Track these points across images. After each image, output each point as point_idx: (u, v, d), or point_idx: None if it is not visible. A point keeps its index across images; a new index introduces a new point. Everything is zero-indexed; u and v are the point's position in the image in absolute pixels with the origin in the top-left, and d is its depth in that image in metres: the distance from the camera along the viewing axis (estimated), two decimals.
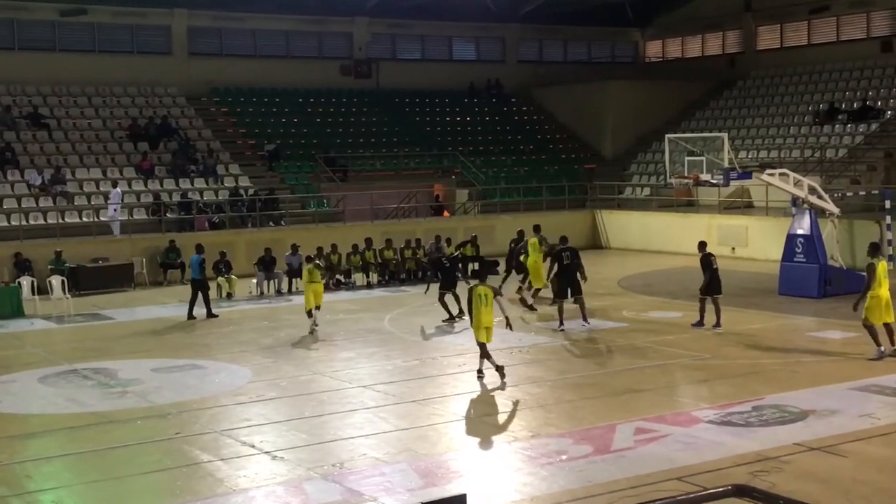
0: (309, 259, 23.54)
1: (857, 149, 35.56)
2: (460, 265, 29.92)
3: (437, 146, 41.33)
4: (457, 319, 22.25)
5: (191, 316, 23.67)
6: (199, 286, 23.74)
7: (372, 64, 44.13)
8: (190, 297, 23.86)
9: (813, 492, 10.72)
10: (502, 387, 16.23)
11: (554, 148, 44.36)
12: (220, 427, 14.32)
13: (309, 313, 21.64)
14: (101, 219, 31.42)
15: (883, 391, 15.16)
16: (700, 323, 20.65)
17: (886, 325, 17.31)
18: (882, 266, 17.29)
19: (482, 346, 16.78)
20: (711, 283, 20.51)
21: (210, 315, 23.76)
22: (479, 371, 16.92)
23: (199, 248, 24.40)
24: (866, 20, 41.61)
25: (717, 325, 20.42)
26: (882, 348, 17.25)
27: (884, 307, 17.20)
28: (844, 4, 41.77)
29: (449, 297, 22.67)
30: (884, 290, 17.20)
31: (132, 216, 32.03)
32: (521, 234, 25.95)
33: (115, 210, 31.21)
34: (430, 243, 29.31)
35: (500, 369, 16.61)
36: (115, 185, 32.25)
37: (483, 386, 16.46)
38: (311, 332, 21.34)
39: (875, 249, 17.87)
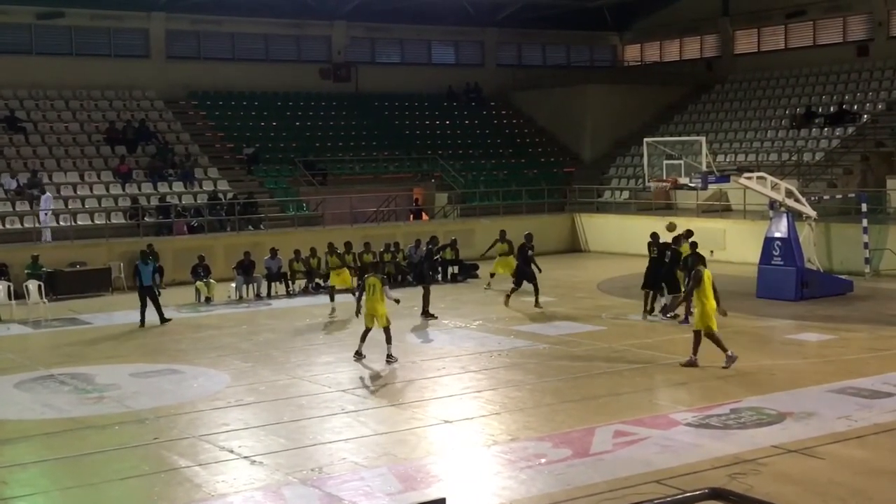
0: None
1: (833, 152, 35.78)
2: (438, 268, 30.08)
3: (416, 150, 41.31)
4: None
5: (142, 323, 23.25)
6: (148, 292, 23.36)
7: (351, 67, 44.09)
8: (140, 304, 23.38)
9: (789, 494, 10.77)
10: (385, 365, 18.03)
11: (533, 151, 44.45)
12: (199, 432, 14.25)
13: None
14: (79, 223, 31.23)
15: (860, 393, 15.24)
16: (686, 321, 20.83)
17: (709, 332, 17.10)
18: (707, 275, 17.23)
19: (367, 330, 18.54)
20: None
21: (163, 320, 23.41)
22: (359, 353, 18.62)
23: (152, 255, 23.79)
24: (842, 24, 41.93)
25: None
26: (730, 352, 17.12)
27: (711, 314, 17.12)
28: (820, 9, 42.07)
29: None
30: (711, 300, 17.11)
31: (110, 220, 31.86)
32: (528, 237, 25.53)
33: (45, 215, 30.74)
34: (410, 247, 29.32)
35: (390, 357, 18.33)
36: (43, 192, 31.50)
37: (461, 390, 16.45)
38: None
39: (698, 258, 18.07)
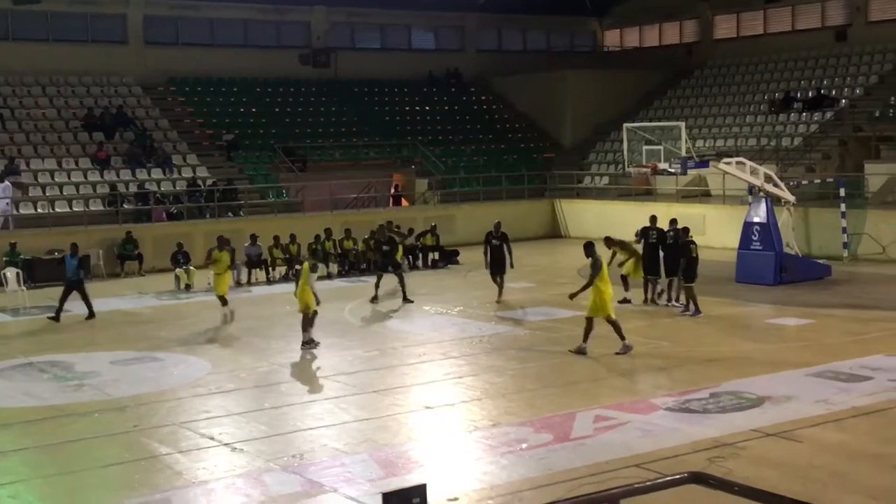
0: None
1: (811, 137, 35.93)
2: (418, 254, 30.09)
3: (396, 136, 41.24)
4: (374, 302, 23.69)
5: (57, 317, 22.35)
6: (76, 286, 22.72)
7: (330, 53, 43.90)
8: (61, 295, 22.63)
9: (769, 477, 10.84)
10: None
11: (513, 137, 44.44)
12: (179, 419, 14.23)
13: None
14: (57, 210, 31.06)
15: (838, 377, 15.35)
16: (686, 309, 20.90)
17: (609, 319, 17.27)
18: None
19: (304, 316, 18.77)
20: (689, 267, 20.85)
21: (91, 315, 22.71)
22: (313, 341, 18.71)
23: (74, 249, 23.19)
24: (821, 10, 41.99)
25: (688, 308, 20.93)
26: (627, 341, 17.26)
27: (608, 301, 17.33)
28: None
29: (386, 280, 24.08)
30: (608, 287, 17.32)
31: (88, 207, 31.69)
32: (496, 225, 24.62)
33: (6, 204, 30.47)
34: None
35: (307, 343, 18.58)
36: (1, 180, 31.09)
37: (442, 376, 16.48)
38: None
39: (590, 247, 17.93)
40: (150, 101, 38.81)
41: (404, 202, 38.61)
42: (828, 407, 13.78)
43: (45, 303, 24.66)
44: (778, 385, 14.95)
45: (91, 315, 22.71)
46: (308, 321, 18.70)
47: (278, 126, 39.88)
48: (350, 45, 45.08)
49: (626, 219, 31.26)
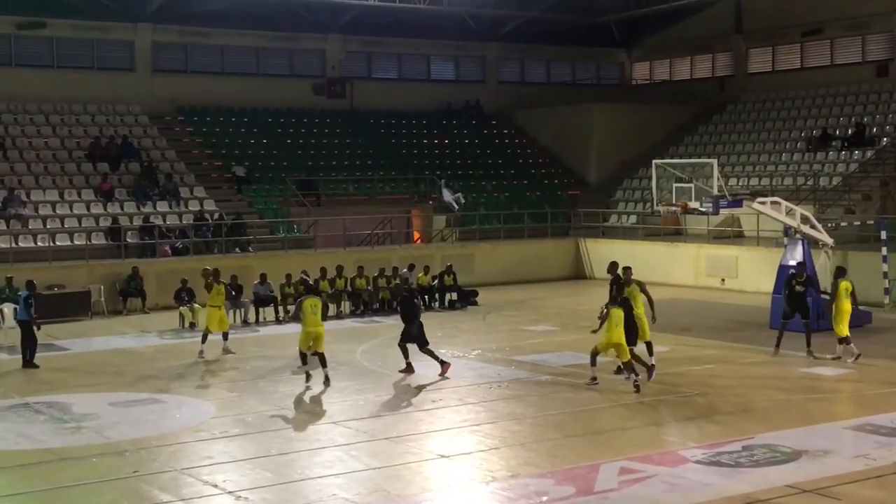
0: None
1: (851, 177, 35.87)
2: (433, 294, 30.06)
3: (413, 170, 41.40)
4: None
5: (26, 362, 21.64)
6: (22, 326, 21.91)
7: (346, 83, 44.21)
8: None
9: None
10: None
11: (536, 173, 44.53)
12: (181, 465, 14.20)
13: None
14: (58, 243, 31.25)
15: (878, 431, 15.23)
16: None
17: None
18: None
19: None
20: None
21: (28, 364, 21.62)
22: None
23: (30, 286, 22.32)
24: (861, 43, 42.09)
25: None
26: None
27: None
28: (839, 27, 42.24)
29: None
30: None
31: (90, 241, 31.87)
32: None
33: None
34: (403, 271, 29.15)
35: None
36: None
37: (458, 423, 16.42)
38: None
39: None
40: (157, 130, 39.11)
41: (416, 237, 38.61)
42: (867, 462, 13.65)
43: (43, 340, 24.73)
44: (814, 438, 14.84)
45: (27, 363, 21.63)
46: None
47: (290, 158, 40.09)
48: (366, 75, 45.40)
49: (654, 260, 31.39)
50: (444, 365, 20.01)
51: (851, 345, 20.57)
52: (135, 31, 39.94)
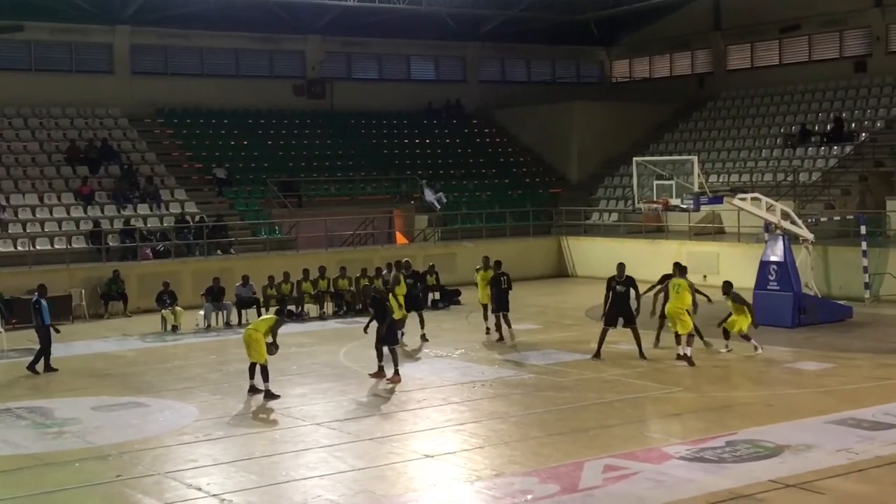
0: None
1: (830, 172, 36.05)
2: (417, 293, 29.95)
3: (394, 170, 41.38)
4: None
5: (47, 366, 21.64)
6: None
7: (326, 84, 44.17)
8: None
9: None
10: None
11: (517, 172, 44.58)
12: (164, 469, 14.16)
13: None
14: (38, 247, 31.09)
15: (860, 425, 15.28)
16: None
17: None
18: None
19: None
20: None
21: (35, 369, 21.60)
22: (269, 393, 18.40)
23: (41, 290, 22.46)
24: (839, 39, 42.31)
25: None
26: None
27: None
28: (816, 23, 42.47)
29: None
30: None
31: (70, 245, 31.73)
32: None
33: None
34: (394, 273, 28.85)
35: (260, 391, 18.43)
36: None
37: (442, 422, 16.42)
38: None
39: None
40: (136, 133, 38.98)
41: (397, 237, 38.59)
42: (850, 456, 13.70)
43: (24, 345, 24.63)
44: (797, 433, 14.89)
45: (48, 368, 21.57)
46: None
47: (271, 159, 40.03)
48: (346, 76, 45.38)
49: (636, 257, 31.36)
50: (396, 375, 19.48)
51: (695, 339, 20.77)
52: (113, 34, 39.77)
